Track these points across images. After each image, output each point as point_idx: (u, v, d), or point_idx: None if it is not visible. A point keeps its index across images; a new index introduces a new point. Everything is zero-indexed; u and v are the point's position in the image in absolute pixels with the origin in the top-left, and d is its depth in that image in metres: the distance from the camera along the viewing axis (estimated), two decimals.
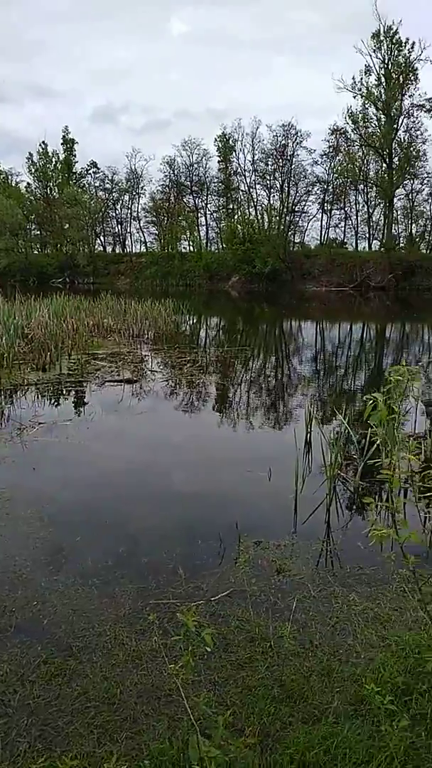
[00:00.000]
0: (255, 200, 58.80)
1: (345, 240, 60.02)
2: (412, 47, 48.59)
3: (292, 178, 55.76)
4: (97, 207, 65.45)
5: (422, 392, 10.69)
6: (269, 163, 56.53)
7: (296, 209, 57.00)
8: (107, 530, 5.35)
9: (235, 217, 59.17)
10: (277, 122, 65.44)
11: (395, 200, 53.65)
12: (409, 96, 50.37)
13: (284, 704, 3.10)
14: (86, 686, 3.25)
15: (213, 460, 7.66)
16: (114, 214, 68.09)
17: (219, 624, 3.80)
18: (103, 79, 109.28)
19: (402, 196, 54.71)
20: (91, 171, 68.11)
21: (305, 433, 7.94)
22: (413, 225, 56.32)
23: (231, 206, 61.90)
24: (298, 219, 58.10)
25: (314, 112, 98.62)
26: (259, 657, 3.47)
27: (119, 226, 68.69)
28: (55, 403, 10.70)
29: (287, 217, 56.06)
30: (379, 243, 54.90)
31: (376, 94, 50.38)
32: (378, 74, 49.86)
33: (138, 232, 67.00)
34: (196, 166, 61.24)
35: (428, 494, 3.73)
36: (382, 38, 48.98)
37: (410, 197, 54.91)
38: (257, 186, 58.58)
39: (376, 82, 50.24)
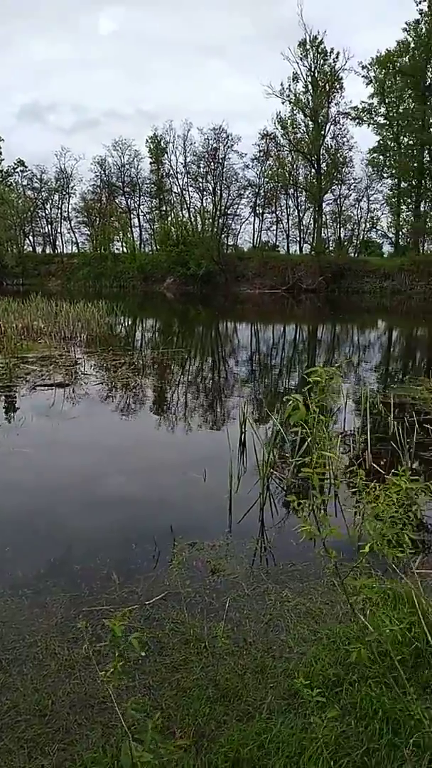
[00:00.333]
0: (188, 202, 59.08)
1: (277, 243, 61.27)
2: (337, 57, 50.30)
3: (224, 181, 56.41)
4: (26, 206, 63.66)
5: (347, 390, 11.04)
6: (201, 165, 56.96)
7: (229, 212, 57.71)
8: (39, 539, 5.21)
9: (169, 218, 59.13)
10: (208, 125, 66.02)
11: (324, 205, 55.29)
12: (336, 104, 52.12)
13: (219, 703, 3.12)
14: (16, 700, 3.15)
15: (149, 463, 7.61)
16: (44, 214, 66.56)
17: (153, 627, 3.78)
18: (30, 76, 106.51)
19: (330, 201, 56.46)
20: (18, 169, 66.17)
21: (239, 433, 8.02)
22: (341, 229, 58.20)
23: (164, 208, 61.87)
24: (231, 222, 58.86)
25: (245, 117, 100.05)
26: (194, 658, 3.48)
27: (49, 227, 67.24)
28: None
29: (220, 220, 56.60)
30: (309, 246, 56.37)
31: (303, 101, 51.75)
32: (305, 82, 51.27)
33: (69, 233, 65.84)
34: (127, 166, 60.90)
35: (355, 489, 3.84)
36: (308, 47, 50.37)
37: (338, 202, 56.73)
38: (190, 188, 58.88)
39: (304, 90, 51.65)
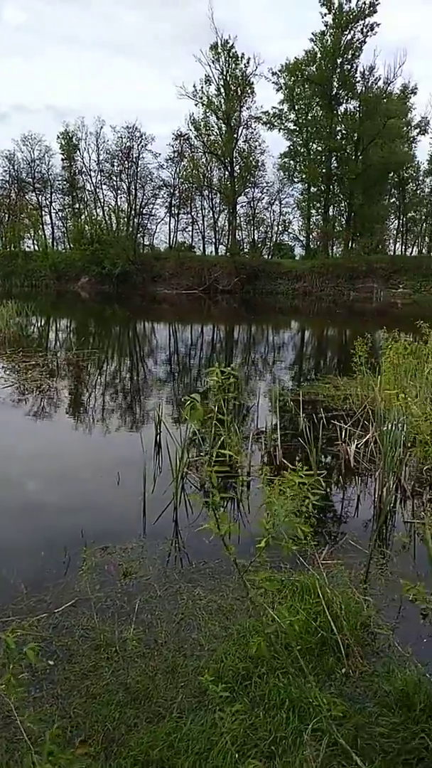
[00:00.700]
0: (102, 201, 58.11)
1: (193, 244, 61.57)
2: (248, 62, 51.26)
3: (139, 181, 55.93)
4: None
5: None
6: (115, 164, 56.15)
7: (144, 212, 57.33)
8: None
9: (82, 216, 57.90)
10: (121, 124, 65.21)
11: (238, 207, 56.20)
12: (247, 108, 53.08)
13: (129, 707, 3.10)
14: None
15: (61, 468, 7.40)
16: None
17: (62, 635, 3.69)
18: None
19: (244, 204, 57.50)
20: None
21: (154, 434, 7.99)
22: (255, 231, 59.44)
23: (77, 206, 60.46)
24: (146, 221, 58.50)
25: (158, 117, 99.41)
26: (104, 663, 3.43)
27: None
28: None
29: (135, 219, 56.12)
30: (225, 248, 57.09)
31: (216, 103, 52.31)
32: (218, 84, 51.85)
33: None
34: (38, 162, 58.79)
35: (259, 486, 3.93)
36: (219, 51, 50.96)
37: (252, 205, 57.90)
38: (104, 186, 57.92)
39: (216, 92, 52.20)
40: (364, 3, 48.52)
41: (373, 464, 6.94)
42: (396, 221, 61.26)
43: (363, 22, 49.24)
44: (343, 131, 53.81)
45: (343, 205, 57.36)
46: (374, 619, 3.78)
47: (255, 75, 51.57)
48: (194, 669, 3.36)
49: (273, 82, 53.24)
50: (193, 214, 60.08)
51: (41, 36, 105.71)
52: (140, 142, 54.43)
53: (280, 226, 60.76)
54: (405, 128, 54.77)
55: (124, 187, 56.24)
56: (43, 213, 60.32)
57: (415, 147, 57.07)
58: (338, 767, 2.63)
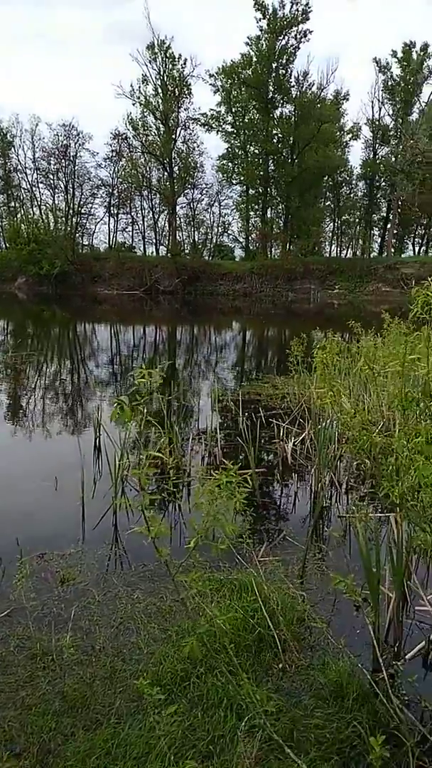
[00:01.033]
0: (39, 199, 56.77)
1: (133, 244, 61.11)
2: (185, 63, 51.35)
3: (77, 180, 55.00)
4: None
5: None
6: (51, 162, 54.95)
7: (82, 211, 56.40)
8: None
9: (18, 215, 56.35)
10: (57, 121, 63.89)
11: (178, 208, 56.21)
12: (185, 109, 53.18)
13: (66, 716, 3.04)
14: None
15: None
16: None
17: None
18: None
19: (184, 205, 57.57)
20: None
21: (94, 437, 7.87)
22: (196, 233, 59.62)
23: (13, 204, 58.77)
24: (85, 221, 57.58)
25: (97, 115, 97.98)
26: (41, 673, 3.36)
27: None
28: None
29: (74, 219, 55.12)
30: (165, 249, 56.95)
31: (154, 103, 52.12)
32: (155, 85, 51.65)
33: None
34: None
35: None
36: (156, 51, 50.80)
37: (192, 206, 58.04)
38: (40, 185, 56.61)
39: (154, 93, 52.01)
40: (297, 10, 49.66)
41: (309, 461, 7.11)
42: (331, 224, 62.97)
43: (297, 28, 50.36)
44: (279, 135, 54.81)
45: (280, 207, 58.41)
46: (309, 613, 3.87)
47: (192, 76, 51.81)
48: (133, 673, 3.34)
49: (210, 84, 53.67)
50: (132, 214, 59.71)
51: None
52: (77, 140, 53.62)
53: (220, 228, 61.28)
54: (338, 133, 56.40)
55: (62, 185, 55.26)
56: None
57: (348, 152, 59.00)
58: (275, 761, 2.68)
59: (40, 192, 57.03)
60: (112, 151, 55.37)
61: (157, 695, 2.53)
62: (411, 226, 61.41)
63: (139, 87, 51.38)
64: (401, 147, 52.92)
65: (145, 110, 52.49)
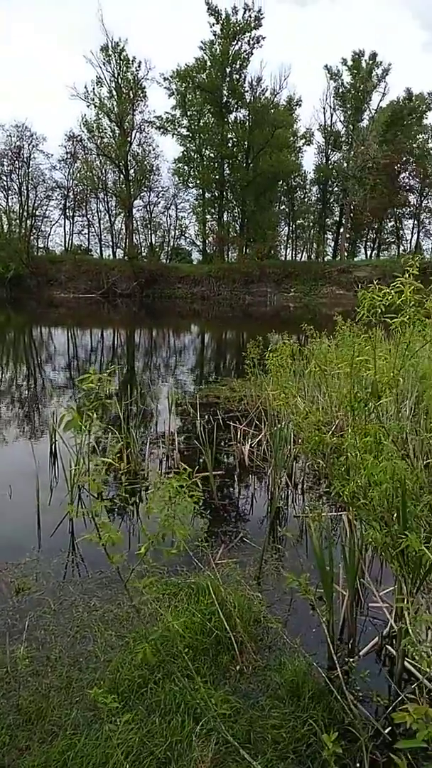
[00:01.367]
0: None
1: (90, 247, 60.45)
2: (139, 66, 51.22)
3: (31, 182, 54.05)
4: None
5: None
6: (5, 163, 53.81)
7: (37, 213, 55.43)
8: None
9: None
10: (10, 122, 62.65)
11: (134, 211, 55.91)
12: (140, 112, 53.04)
13: (21, 729, 2.98)
14: None
15: None
16: None
17: None
18: None
19: (141, 207, 57.35)
20: None
21: (50, 443, 7.74)
22: (153, 236, 59.44)
23: None
24: (40, 223, 56.61)
25: (50, 117, 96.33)
26: None
27: None
28: None
29: (28, 221, 54.12)
30: (122, 251, 56.58)
31: (108, 106, 51.76)
32: (109, 87, 51.32)
33: None
34: None
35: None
36: (110, 53, 50.48)
37: (148, 209, 57.87)
38: None
39: (108, 95, 51.67)
40: (250, 16, 50.24)
41: (266, 462, 7.18)
42: (286, 228, 63.87)
43: (249, 34, 50.94)
44: (234, 139, 55.30)
45: (236, 211, 58.86)
46: (266, 613, 3.90)
47: (147, 79, 51.81)
48: (90, 682, 3.30)
49: (165, 88, 53.69)
50: (88, 216, 59.11)
51: None
52: (31, 141, 52.68)
53: (177, 231, 61.26)
54: (292, 138, 57.26)
55: (15, 187, 54.16)
56: None
57: (302, 157, 59.95)
58: (232, 763, 2.69)
59: None
60: (67, 153, 54.79)
61: (112, 703, 2.50)
62: (363, 230, 62.90)
63: (93, 89, 51.07)
64: (352, 153, 54.14)
65: (99, 112, 52.14)
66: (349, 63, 54.77)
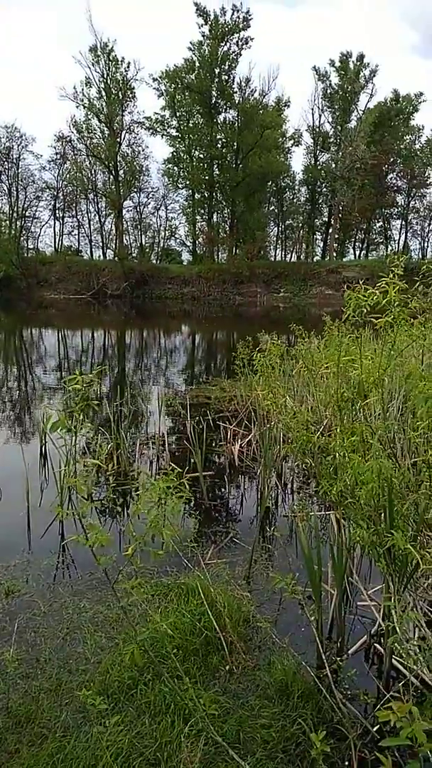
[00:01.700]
0: None
1: (80, 248, 60.28)
2: (128, 67, 51.14)
3: (20, 182, 53.83)
4: None
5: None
6: None
7: (27, 214, 55.20)
8: None
9: None
10: None
11: (124, 212, 55.80)
12: (130, 112, 52.95)
13: (11, 732, 2.97)
14: None
15: None
16: None
17: None
18: None
19: (131, 208, 57.25)
20: None
21: (39, 444, 7.72)
22: (143, 236, 59.35)
23: None
24: (29, 225, 56.36)
25: (40, 117, 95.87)
26: None
27: None
28: None
29: (18, 222, 53.87)
30: (113, 252, 56.45)
31: (98, 106, 51.62)
32: (99, 87, 51.20)
33: None
34: None
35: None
36: (99, 53, 50.36)
37: (138, 210, 57.77)
38: None
39: (98, 95, 51.53)
40: (238, 17, 50.30)
41: (256, 462, 7.19)
42: (275, 228, 64.00)
43: (238, 35, 51.01)
44: (224, 140, 55.32)
45: (226, 211, 58.91)
46: (255, 613, 3.92)
47: (136, 80, 51.75)
48: (80, 684, 3.29)
49: (154, 88, 53.64)
50: (78, 217, 58.94)
51: None
52: (20, 142, 52.48)
53: (167, 232, 61.20)
54: (280, 139, 57.38)
55: (5, 188, 53.91)
56: None
57: (290, 157, 60.12)
58: (221, 763, 2.70)
59: None
60: (57, 153, 54.62)
61: (102, 705, 2.50)
62: (351, 230, 63.16)
63: (83, 89, 50.92)
64: (341, 153, 54.38)
65: (89, 113, 52.02)
66: (337, 64, 55.03)
